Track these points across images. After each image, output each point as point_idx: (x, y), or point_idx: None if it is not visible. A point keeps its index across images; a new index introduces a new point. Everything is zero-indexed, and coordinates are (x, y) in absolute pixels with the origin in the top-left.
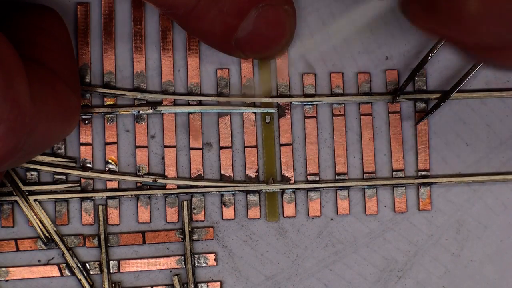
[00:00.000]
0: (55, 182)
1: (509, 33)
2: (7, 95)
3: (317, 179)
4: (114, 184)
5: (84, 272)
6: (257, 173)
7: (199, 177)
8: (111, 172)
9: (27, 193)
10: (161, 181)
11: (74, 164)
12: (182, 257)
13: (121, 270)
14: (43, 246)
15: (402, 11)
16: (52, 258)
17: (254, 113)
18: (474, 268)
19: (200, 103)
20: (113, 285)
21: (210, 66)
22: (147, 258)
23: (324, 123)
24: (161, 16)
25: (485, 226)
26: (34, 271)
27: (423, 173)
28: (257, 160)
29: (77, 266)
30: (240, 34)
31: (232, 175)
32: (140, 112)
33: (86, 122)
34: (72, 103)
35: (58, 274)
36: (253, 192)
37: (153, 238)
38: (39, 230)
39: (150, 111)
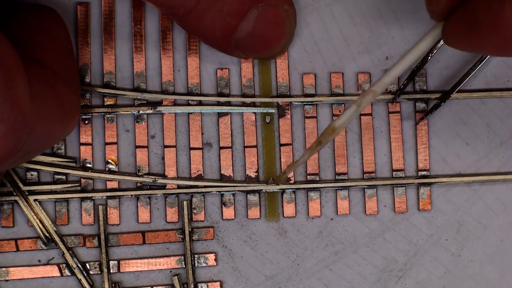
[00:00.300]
0: (55, 182)
1: None
2: (7, 95)
3: (317, 179)
4: (114, 184)
5: (84, 272)
6: (257, 173)
7: (199, 177)
8: (111, 172)
9: (27, 193)
10: (161, 181)
11: (74, 164)
12: (182, 257)
13: (121, 270)
14: (43, 246)
15: (446, 41)
16: (52, 258)
17: (254, 113)
18: (474, 268)
19: (200, 103)
20: (113, 285)
21: (210, 66)
22: (147, 258)
23: (324, 123)
24: (161, 16)
25: (485, 226)
26: (34, 271)
27: (423, 173)
28: (257, 160)
29: (77, 266)
30: (240, 34)
31: (232, 175)
32: (140, 112)
33: (86, 122)
34: (72, 103)
35: (58, 274)
36: (253, 192)
37: (153, 238)
38: (39, 230)
39: (150, 111)
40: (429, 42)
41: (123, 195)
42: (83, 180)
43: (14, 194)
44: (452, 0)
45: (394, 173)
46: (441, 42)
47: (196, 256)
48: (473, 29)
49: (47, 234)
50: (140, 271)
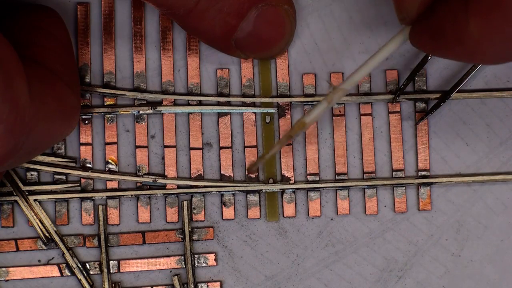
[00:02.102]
0: (55, 182)
1: (508, 53)
2: (6, 95)
3: (317, 179)
4: (114, 184)
5: (84, 272)
6: (257, 173)
7: (199, 177)
8: (111, 172)
9: (27, 193)
10: (161, 181)
11: (74, 164)
12: (182, 257)
13: (121, 270)
14: (43, 246)
15: (412, 43)
16: (52, 258)
17: (254, 113)
18: (474, 268)
19: (200, 103)
20: (113, 285)
21: (210, 66)
22: (147, 258)
23: (324, 123)
24: (161, 16)
25: (485, 226)
26: (34, 271)
27: (423, 173)
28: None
29: (77, 266)
30: (240, 34)
31: (232, 175)
32: (140, 112)
33: (86, 122)
34: (72, 103)
35: (58, 274)
36: (253, 192)
37: (153, 238)
38: (39, 230)
39: (150, 111)
40: (398, 43)
41: (123, 195)
42: (83, 180)
43: (14, 194)
44: (421, 10)
45: (394, 173)
46: None
47: (196, 256)
48: (439, 39)
49: (47, 234)
50: (140, 271)
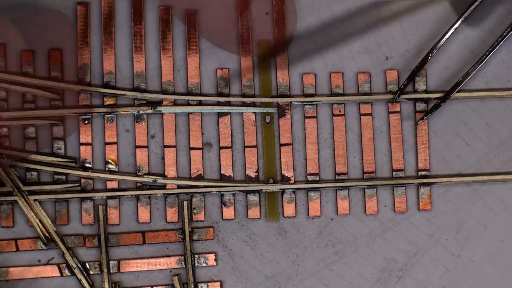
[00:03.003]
0: (55, 182)
1: None
2: None
3: (317, 179)
4: (114, 184)
5: (84, 272)
6: (257, 173)
7: (199, 177)
8: (111, 172)
9: (27, 193)
10: (161, 181)
11: (74, 164)
12: (182, 257)
13: (121, 270)
14: (43, 246)
15: None
16: (52, 258)
17: (254, 113)
18: (474, 268)
19: (200, 103)
20: (113, 285)
21: (210, 66)
22: (147, 258)
23: (324, 123)
24: (161, 15)
25: (485, 226)
26: (34, 271)
27: (423, 173)
28: (257, 160)
29: (77, 266)
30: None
31: (232, 175)
32: (140, 112)
33: (86, 122)
34: None
35: (58, 274)
36: (253, 192)
37: (153, 238)
38: (39, 230)
39: (150, 111)
40: None
41: (123, 195)
42: (83, 180)
43: (14, 194)
44: None
45: (394, 173)
46: (441, 42)
47: (196, 256)
48: None
49: (47, 234)
50: (140, 271)
